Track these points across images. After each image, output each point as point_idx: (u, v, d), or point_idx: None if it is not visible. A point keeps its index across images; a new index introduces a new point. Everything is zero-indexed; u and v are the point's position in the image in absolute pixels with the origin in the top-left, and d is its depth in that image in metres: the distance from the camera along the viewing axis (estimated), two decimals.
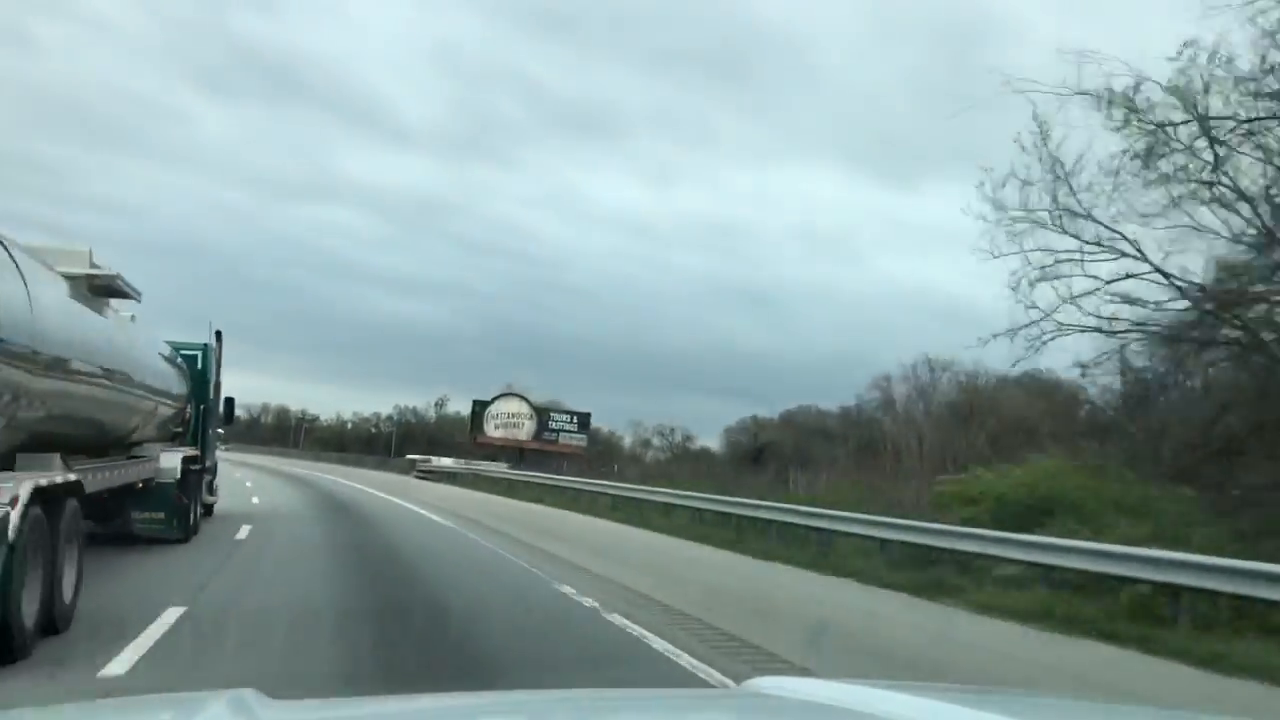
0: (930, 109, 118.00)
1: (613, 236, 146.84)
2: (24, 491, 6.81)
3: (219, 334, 18.51)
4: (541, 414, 64.40)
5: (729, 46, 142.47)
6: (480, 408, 64.84)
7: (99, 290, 11.05)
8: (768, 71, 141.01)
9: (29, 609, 6.93)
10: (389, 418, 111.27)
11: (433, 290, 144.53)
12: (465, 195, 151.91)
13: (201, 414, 17.24)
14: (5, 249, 7.59)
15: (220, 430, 20.25)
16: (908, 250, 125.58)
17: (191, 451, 15.27)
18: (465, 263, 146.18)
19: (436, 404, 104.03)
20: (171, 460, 13.78)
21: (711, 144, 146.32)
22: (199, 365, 17.18)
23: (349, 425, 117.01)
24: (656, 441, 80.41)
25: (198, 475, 15.69)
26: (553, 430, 64.37)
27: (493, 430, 64.16)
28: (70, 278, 9.78)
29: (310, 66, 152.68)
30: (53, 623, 7.50)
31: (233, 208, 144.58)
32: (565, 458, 61.40)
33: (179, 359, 15.70)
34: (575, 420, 66.19)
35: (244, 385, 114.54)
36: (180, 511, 13.86)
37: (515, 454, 62.55)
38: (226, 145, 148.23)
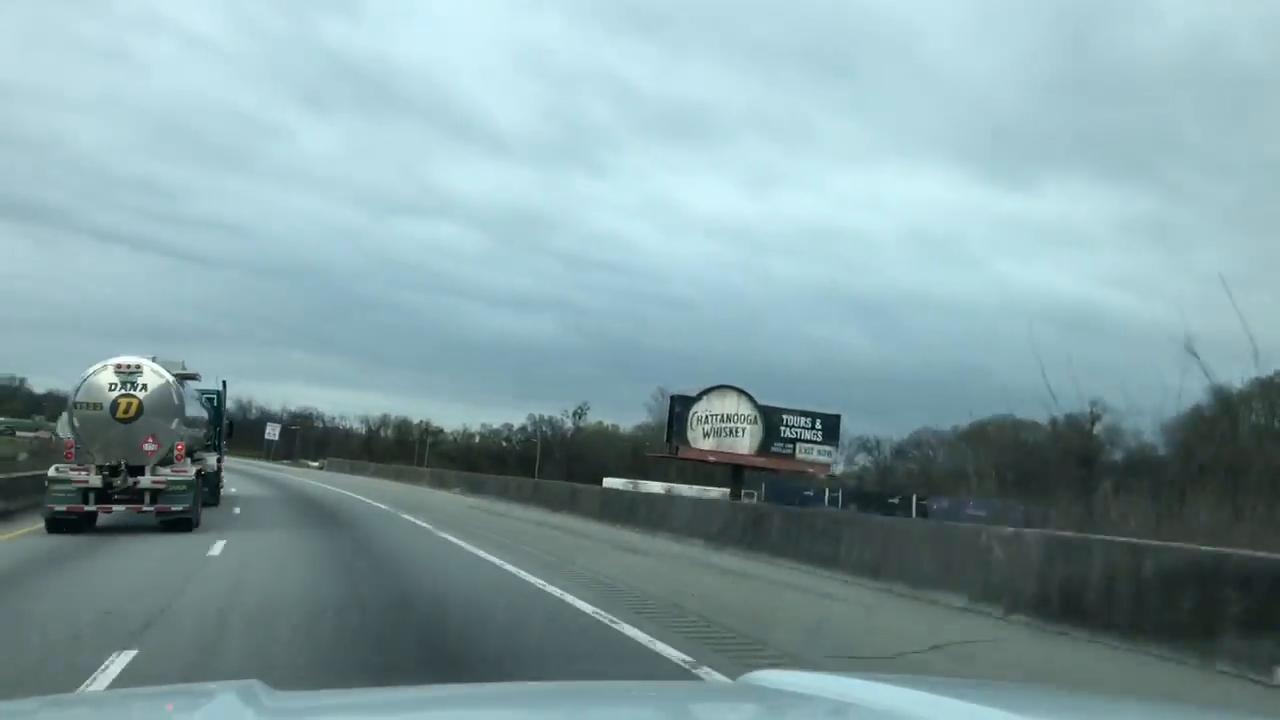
0: (1047, 99, 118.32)
1: (711, 244, 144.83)
2: (194, 469, 19.14)
3: (224, 382, 29.61)
4: (770, 416, 45.26)
5: (828, 39, 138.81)
6: (682, 407, 45.37)
7: (186, 377, 21.28)
8: (869, 64, 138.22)
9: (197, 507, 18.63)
10: (521, 429, 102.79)
11: (537, 305, 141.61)
12: (562, 206, 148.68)
13: (217, 433, 27.10)
14: (163, 373, 18.35)
15: (224, 443, 29.12)
16: (1026, 253, 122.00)
17: (216, 456, 26.11)
18: (566, 277, 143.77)
19: (575, 413, 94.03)
20: (211, 459, 24.86)
21: (811, 144, 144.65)
22: (215, 403, 26.96)
23: (476, 438, 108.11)
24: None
25: (219, 466, 26.53)
26: (786, 440, 45.20)
27: (701, 439, 45.07)
28: (181, 375, 20.12)
29: (403, 76, 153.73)
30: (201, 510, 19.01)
31: (341, 225, 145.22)
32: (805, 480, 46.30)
33: (205, 400, 25.23)
34: (819, 425, 45.62)
35: (357, 402, 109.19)
36: (214, 484, 24.79)
37: (733, 472, 46.22)
38: (329, 161, 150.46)
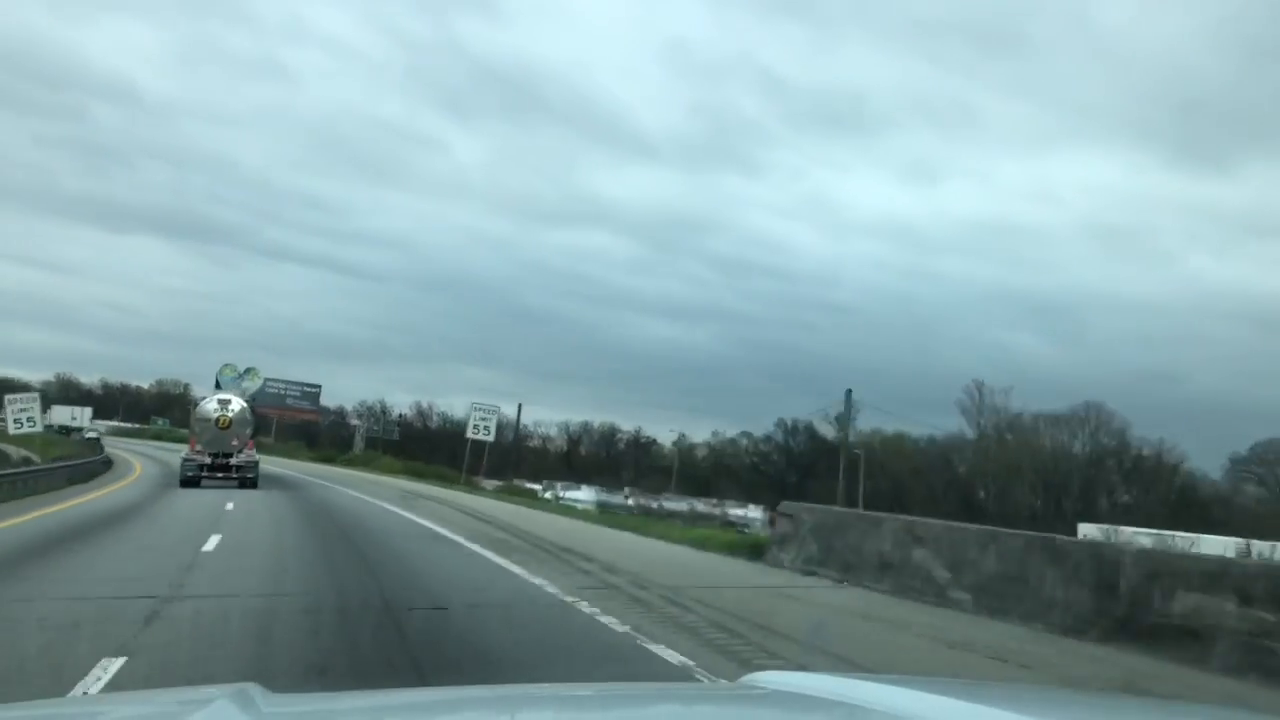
0: (1250, 67, 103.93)
1: (874, 244, 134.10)
2: (257, 455, 35.64)
3: (254, 396, 47.15)
4: None
5: (993, 12, 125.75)
6: None
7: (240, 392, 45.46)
8: (1040, 38, 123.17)
9: (258, 474, 34.25)
10: (766, 439, 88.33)
11: (695, 314, 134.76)
12: (714, 208, 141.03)
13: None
14: (241, 402, 35.82)
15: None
16: (1223, 245, 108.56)
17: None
18: (723, 283, 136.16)
19: (835, 418, 73.26)
20: (256, 453, 35.83)
21: (978, 131, 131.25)
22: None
23: (700, 453, 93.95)
24: None
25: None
26: None
27: None
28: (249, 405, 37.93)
29: (544, 78, 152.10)
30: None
31: (495, 236, 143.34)
32: None
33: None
34: None
35: (528, 418, 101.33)
36: (256, 471, 34.08)
37: None
38: (479, 170, 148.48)
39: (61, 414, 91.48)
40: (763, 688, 2.45)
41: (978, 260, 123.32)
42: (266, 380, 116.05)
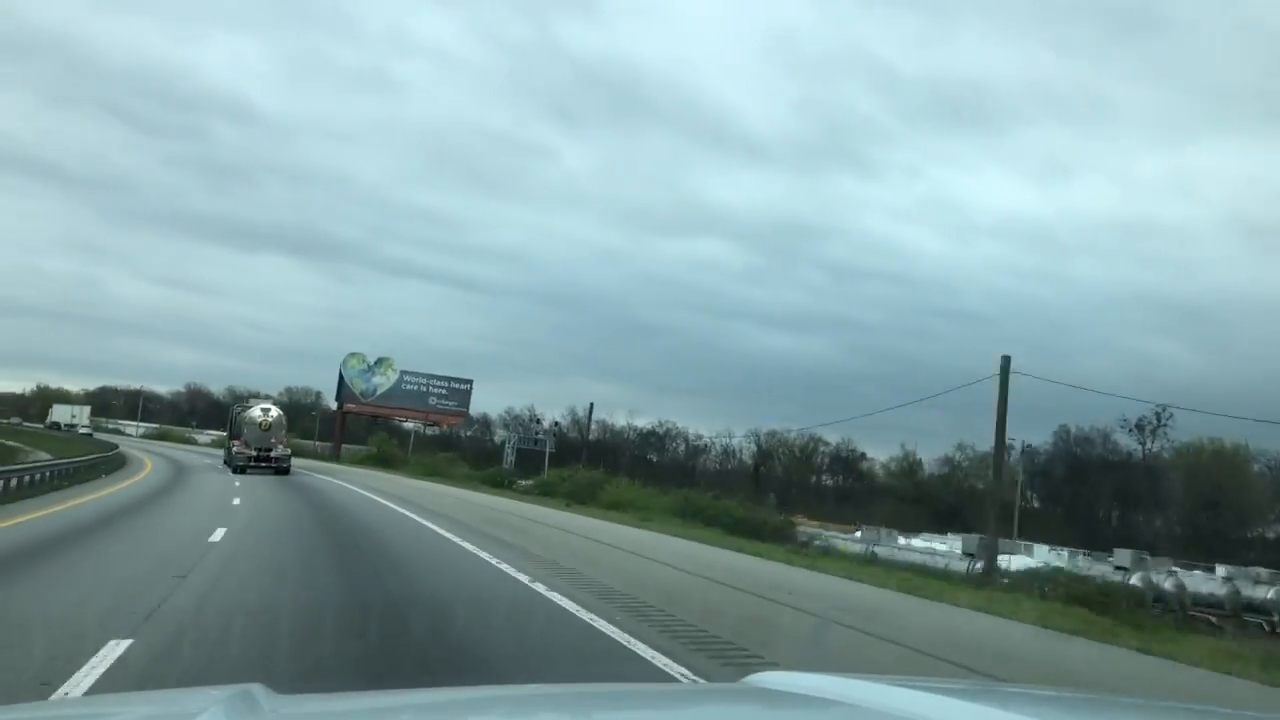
0: None
1: (1001, 247, 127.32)
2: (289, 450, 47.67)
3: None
4: None
5: None
6: None
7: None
8: (1179, 16, 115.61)
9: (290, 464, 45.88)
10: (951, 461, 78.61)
11: (811, 323, 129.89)
12: (829, 212, 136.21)
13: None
14: (278, 410, 48.28)
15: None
16: None
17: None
18: (840, 290, 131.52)
19: (1136, 425, 65.62)
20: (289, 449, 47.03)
21: (1110, 121, 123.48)
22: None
23: (879, 471, 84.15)
24: None
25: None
26: None
27: None
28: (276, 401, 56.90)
29: (648, 79, 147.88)
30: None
31: (608, 248, 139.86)
32: None
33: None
34: None
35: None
36: (289, 463, 44.89)
37: None
38: (589, 179, 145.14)
39: (62, 413, 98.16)
40: (763, 688, 2.49)
41: (1112, 262, 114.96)
42: (404, 374, 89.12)
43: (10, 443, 52.81)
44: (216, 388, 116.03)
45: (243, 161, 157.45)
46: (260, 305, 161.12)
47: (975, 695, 2.38)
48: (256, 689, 2.06)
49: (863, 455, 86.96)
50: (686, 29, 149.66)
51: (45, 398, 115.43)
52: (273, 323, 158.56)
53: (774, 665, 8.06)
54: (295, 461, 47.95)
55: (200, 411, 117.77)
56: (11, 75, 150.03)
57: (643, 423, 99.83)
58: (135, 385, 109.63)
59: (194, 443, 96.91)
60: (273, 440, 44.52)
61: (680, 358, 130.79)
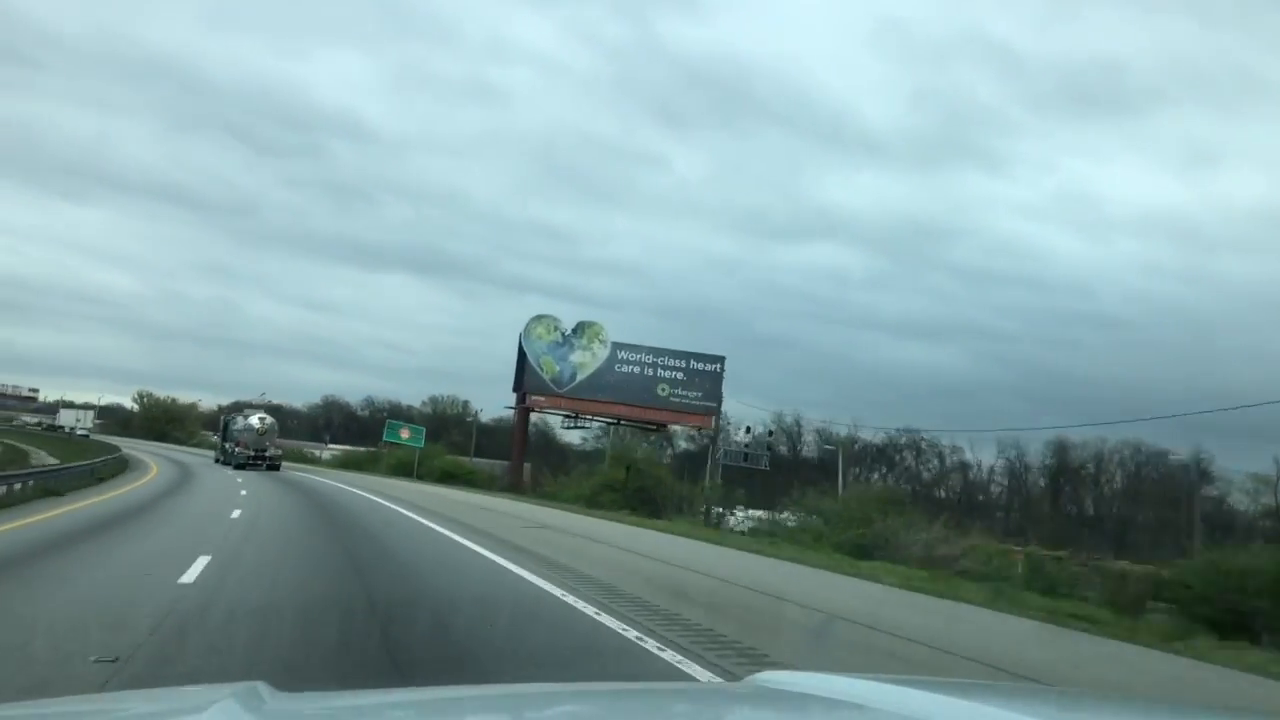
0: None
1: (1143, 244, 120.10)
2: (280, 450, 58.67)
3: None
4: None
5: None
6: None
7: (271, 411, 65.99)
8: None
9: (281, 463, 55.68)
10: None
11: (941, 331, 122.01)
12: (954, 211, 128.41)
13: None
14: (271, 417, 59.19)
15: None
16: None
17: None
18: (970, 296, 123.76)
19: None
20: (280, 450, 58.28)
21: (1262, 102, 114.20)
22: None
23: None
24: None
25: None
26: None
27: None
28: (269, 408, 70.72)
29: (755, 76, 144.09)
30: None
31: (724, 257, 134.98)
32: None
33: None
34: None
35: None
36: (280, 462, 55.37)
37: None
38: (702, 185, 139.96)
39: (67, 417, 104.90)
40: (765, 687, 2.48)
41: (1268, 258, 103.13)
42: (618, 349, 52.54)
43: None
44: (354, 397, 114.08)
45: (361, 180, 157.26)
46: (389, 324, 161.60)
47: (980, 694, 2.39)
48: (260, 686, 2.10)
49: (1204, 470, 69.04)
50: (791, 20, 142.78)
51: (156, 408, 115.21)
52: (403, 341, 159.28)
53: None
54: (440, 505, 35.16)
55: (337, 425, 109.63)
56: (136, 101, 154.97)
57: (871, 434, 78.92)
58: (263, 397, 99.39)
59: (311, 459, 79.81)
60: (266, 443, 54.70)
61: (803, 370, 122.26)
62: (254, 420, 55.69)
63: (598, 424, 61.48)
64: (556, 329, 56.21)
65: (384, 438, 67.94)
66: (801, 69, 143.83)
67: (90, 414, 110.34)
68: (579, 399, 55.55)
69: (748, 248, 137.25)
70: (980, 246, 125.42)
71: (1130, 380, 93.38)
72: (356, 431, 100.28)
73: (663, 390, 55.21)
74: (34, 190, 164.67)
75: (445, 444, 74.75)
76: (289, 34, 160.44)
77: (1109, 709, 2.65)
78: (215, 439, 61.06)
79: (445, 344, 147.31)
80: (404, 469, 62.28)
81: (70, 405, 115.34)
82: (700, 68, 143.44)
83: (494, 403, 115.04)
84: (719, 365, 55.58)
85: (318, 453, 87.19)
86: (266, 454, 53.53)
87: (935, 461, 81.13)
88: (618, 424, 60.26)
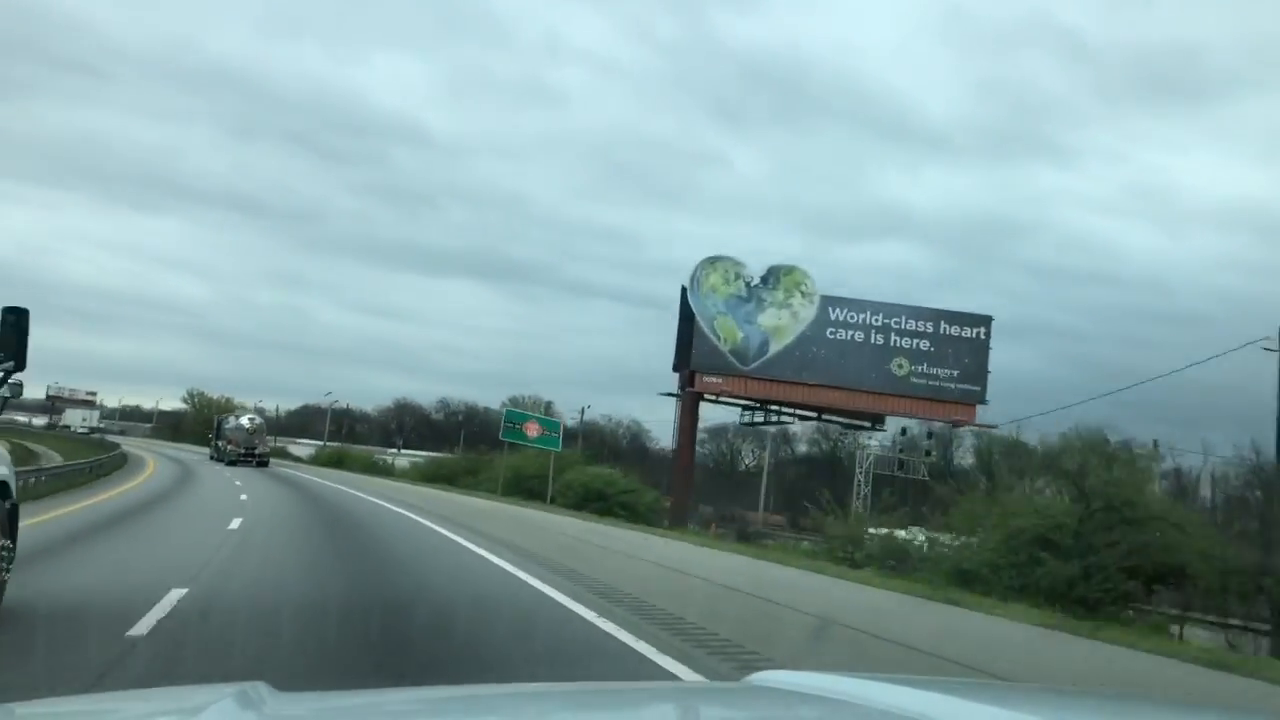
0: None
1: (1224, 239, 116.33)
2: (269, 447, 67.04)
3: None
4: None
5: None
6: None
7: (259, 413, 75.21)
8: None
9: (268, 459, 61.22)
10: None
11: (1014, 331, 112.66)
12: (1024, 207, 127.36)
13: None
14: (260, 417, 68.17)
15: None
16: None
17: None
18: (1043, 294, 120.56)
19: None
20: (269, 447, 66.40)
21: None
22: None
23: None
24: None
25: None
26: None
27: None
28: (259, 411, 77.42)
29: (813, 69, 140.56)
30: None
31: (788, 257, 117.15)
32: None
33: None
34: None
35: None
36: (269, 458, 61.18)
37: None
38: (764, 184, 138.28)
39: (73, 417, 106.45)
40: (764, 687, 2.43)
41: None
42: (828, 303, 27.78)
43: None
44: (427, 399, 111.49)
45: (422, 185, 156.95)
46: (454, 329, 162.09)
47: (979, 694, 2.36)
48: (260, 687, 2.08)
49: None
50: (849, 11, 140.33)
51: (209, 408, 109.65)
52: (467, 346, 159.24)
53: None
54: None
55: (410, 429, 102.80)
56: (200, 110, 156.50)
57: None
58: (329, 397, 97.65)
59: (381, 471, 67.36)
60: (255, 441, 60.04)
61: None
62: (244, 421, 63.23)
63: (787, 416, 43.35)
64: (738, 277, 38.74)
65: (501, 435, 40.42)
66: (861, 61, 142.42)
67: (96, 413, 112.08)
68: (771, 379, 37.86)
69: (812, 247, 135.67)
70: (1051, 242, 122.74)
71: (1210, 380, 79.86)
72: (430, 436, 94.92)
73: (899, 367, 37.31)
74: (108, 202, 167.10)
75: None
76: (345, 40, 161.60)
77: (1109, 709, 2.56)
78: (214, 439, 65.48)
79: (512, 349, 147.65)
80: (523, 487, 39.72)
81: (78, 404, 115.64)
82: (757, 63, 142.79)
83: (569, 405, 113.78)
84: (983, 330, 37.52)
85: (388, 458, 75.61)
86: (255, 451, 59.29)
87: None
88: (818, 418, 42.39)
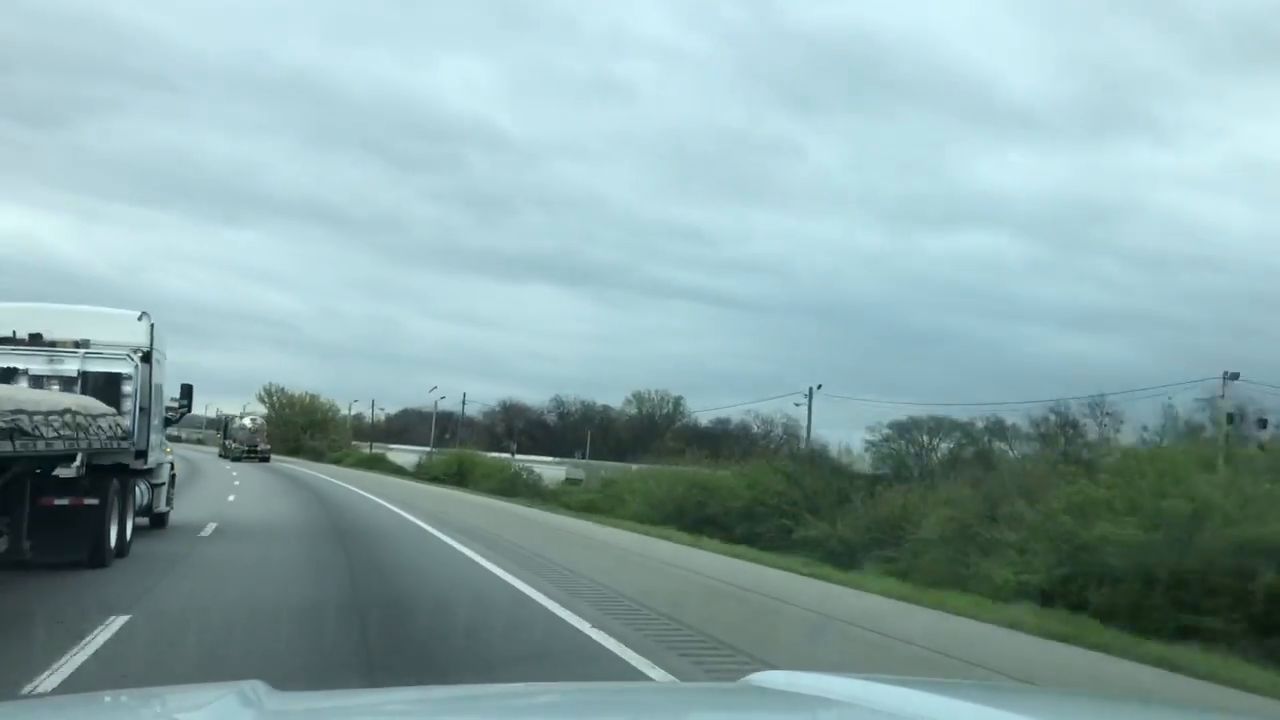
0: None
1: None
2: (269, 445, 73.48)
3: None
4: None
5: None
6: None
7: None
8: None
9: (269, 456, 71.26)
10: None
11: (1110, 322, 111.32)
12: (1119, 188, 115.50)
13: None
14: (260, 418, 75.84)
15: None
16: None
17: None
18: (1141, 282, 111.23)
19: None
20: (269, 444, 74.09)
21: None
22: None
23: None
24: None
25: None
26: None
27: None
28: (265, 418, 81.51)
29: (887, 50, 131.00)
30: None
31: (868, 251, 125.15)
32: None
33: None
34: None
35: None
36: (269, 455, 69.44)
37: None
38: (839, 174, 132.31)
39: None
40: (763, 687, 2.46)
41: None
42: None
43: None
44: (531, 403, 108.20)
45: (499, 189, 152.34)
46: (535, 334, 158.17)
47: (976, 695, 2.37)
48: (258, 685, 2.11)
49: None
50: None
51: (290, 407, 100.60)
52: (552, 351, 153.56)
53: None
54: None
55: (520, 432, 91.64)
56: (274, 119, 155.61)
57: None
58: (434, 393, 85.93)
59: (549, 499, 40.61)
60: (257, 439, 67.60)
61: (962, 366, 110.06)
62: (246, 421, 70.22)
63: None
64: None
65: None
66: (936, 39, 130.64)
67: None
68: None
69: (895, 239, 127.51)
70: (1149, 226, 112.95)
71: None
72: (544, 439, 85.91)
73: None
74: (196, 216, 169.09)
75: (663, 454, 43.97)
76: (410, 42, 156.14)
77: (1108, 709, 2.60)
78: (222, 439, 72.41)
79: (593, 353, 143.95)
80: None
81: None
82: (827, 45, 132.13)
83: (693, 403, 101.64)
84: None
85: (534, 469, 55.80)
86: (258, 448, 66.85)
87: None
88: None
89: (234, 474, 43.65)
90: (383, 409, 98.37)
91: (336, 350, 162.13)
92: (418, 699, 2.35)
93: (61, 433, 10.68)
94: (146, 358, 14.78)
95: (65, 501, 12.13)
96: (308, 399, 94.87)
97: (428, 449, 73.47)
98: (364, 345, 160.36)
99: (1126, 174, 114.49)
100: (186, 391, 19.27)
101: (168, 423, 18.20)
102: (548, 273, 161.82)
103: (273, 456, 69.92)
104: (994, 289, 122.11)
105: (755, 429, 71.55)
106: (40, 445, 10.14)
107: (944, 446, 55.25)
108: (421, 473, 58.55)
